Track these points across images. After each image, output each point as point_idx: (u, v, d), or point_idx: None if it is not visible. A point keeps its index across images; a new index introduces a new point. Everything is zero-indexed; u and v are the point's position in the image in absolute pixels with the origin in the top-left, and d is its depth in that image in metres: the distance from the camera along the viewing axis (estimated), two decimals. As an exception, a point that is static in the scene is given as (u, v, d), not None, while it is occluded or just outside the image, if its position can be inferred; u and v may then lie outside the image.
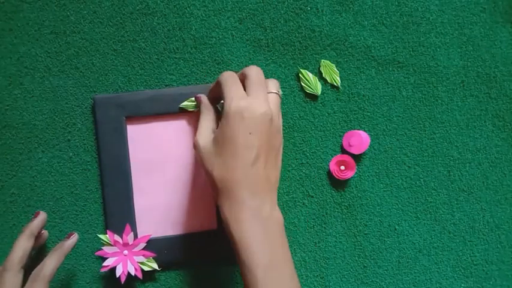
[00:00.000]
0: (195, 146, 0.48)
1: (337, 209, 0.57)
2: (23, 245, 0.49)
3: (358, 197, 0.57)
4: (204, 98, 0.52)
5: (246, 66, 0.57)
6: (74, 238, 0.52)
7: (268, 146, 0.47)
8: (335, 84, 0.57)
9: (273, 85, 0.50)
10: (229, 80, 0.48)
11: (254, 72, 0.48)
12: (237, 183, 0.45)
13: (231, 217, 0.45)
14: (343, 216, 0.57)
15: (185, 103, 0.55)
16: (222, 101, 0.48)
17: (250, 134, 0.45)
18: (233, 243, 0.45)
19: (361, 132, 0.57)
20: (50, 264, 0.49)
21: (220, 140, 0.46)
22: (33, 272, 0.49)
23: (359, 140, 0.56)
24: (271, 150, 0.47)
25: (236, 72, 0.50)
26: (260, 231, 0.45)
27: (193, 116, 0.56)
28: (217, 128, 0.48)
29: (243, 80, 0.49)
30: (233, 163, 0.45)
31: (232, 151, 0.45)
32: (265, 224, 0.45)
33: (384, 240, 0.57)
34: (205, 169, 0.47)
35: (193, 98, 0.55)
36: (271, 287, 0.44)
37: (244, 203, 0.45)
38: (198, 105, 0.53)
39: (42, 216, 0.52)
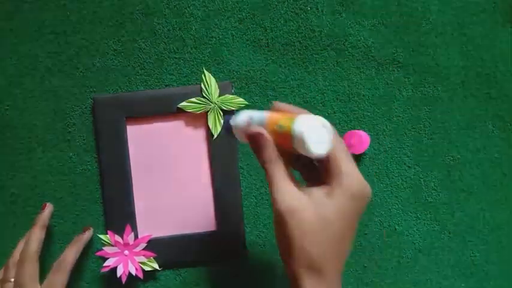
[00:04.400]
0: (287, 213, 0.38)
1: (337, 209, 0.57)
2: (37, 236, 0.52)
3: (358, 197, 0.57)
4: (271, 140, 0.41)
5: (244, 66, 0.57)
6: (90, 232, 0.55)
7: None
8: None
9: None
10: (345, 149, 0.41)
11: (340, 139, 0.41)
12: (335, 265, 0.39)
13: None
14: (343, 216, 0.57)
15: (184, 103, 0.55)
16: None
17: (359, 217, 0.40)
18: None
19: (361, 132, 0.57)
20: (71, 255, 0.52)
21: (333, 220, 0.38)
22: (55, 263, 0.52)
23: (359, 140, 0.56)
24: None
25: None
26: None
27: (193, 116, 0.56)
28: (326, 198, 0.39)
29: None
30: (338, 247, 0.39)
31: (341, 238, 0.39)
32: None
33: (384, 240, 0.57)
34: (300, 242, 0.38)
35: (192, 99, 0.55)
36: None
37: (335, 284, 0.39)
38: (259, 147, 0.41)
39: (50, 207, 0.54)
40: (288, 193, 0.39)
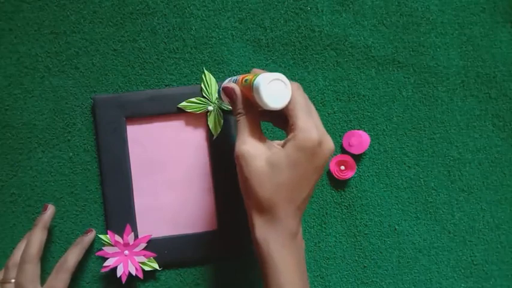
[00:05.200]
0: (241, 157, 0.44)
1: (337, 209, 0.57)
2: (38, 237, 0.52)
3: (358, 197, 0.57)
4: (239, 94, 0.46)
5: (245, 66, 0.57)
6: (92, 234, 0.55)
7: (319, 175, 0.45)
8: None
9: None
10: (305, 106, 0.44)
11: (303, 96, 0.45)
12: (286, 209, 0.43)
13: (274, 239, 0.43)
14: (343, 216, 0.57)
15: (184, 103, 0.55)
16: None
17: (318, 171, 0.44)
18: (270, 264, 0.43)
19: (361, 132, 0.57)
20: (73, 257, 0.52)
21: (282, 167, 0.43)
22: (57, 264, 0.52)
23: (359, 140, 0.56)
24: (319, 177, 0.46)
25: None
26: (297, 255, 0.44)
27: (193, 116, 0.56)
28: (282, 146, 0.44)
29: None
30: (290, 194, 0.43)
31: (292, 185, 0.43)
32: (300, 248, 0.45)
33: (384, 240, 0.57)
34: (250, 184, 0.43)
35: (192, 99, 0.55)
36: None
37: (288, 226, 0.43)
38: (230, 99, 0.47)
39: (51, 208, 0.54)
40: (247, 141, 0.44)
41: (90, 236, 0.54)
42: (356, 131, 0.57)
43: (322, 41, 0.57)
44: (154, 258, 0.55)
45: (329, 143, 0.44)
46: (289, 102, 0.43)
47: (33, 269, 0.50)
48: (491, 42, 0.58)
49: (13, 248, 0.53)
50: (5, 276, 0.51)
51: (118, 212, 0.55)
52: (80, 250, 0.53)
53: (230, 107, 0.55)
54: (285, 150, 0.43)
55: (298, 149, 0.42)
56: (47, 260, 0.55)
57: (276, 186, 0.43)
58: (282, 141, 0.45)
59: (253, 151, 0.43)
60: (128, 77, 0.56)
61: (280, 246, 0.43)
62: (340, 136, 0.57)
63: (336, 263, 0.57)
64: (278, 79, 0.42)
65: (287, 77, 0.57)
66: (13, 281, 0.50)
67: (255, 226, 0.44)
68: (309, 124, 0.43)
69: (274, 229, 0.43)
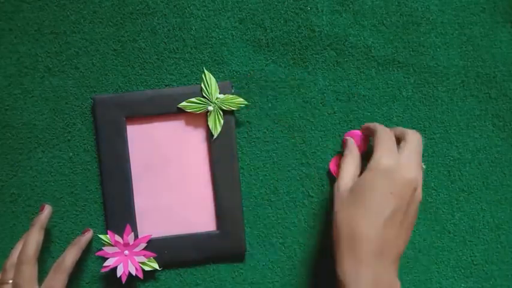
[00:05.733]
0: (336, 189, 0.48)
1: (337, 209, 0.57)
2: (35, 238, 0.51)
3: (358, 197, 0.57)
4: (350, 142, 0.54)
5: (245, 66, 0.57)
6: (90, 234, 0.55)
7: (404, 214, 0.45)
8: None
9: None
10: (386, 135, 0.48)
11: (416, 139, 0.49)
12: (365, 240, 0.43)
13: (350, 275, 0.43)
14: (343, 216, 0.57)
15: (184, 103, 0.55)
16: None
17: (391, 193, 0.44)
18: None
19: (361, 132, 0.57)
20: (70, 257, 0.52)
21: (358, 190, 0.46)
22: (55, 264, 0.52)
23: (359, 140, 0.56)
24: (406, 218, 0.46)
25: (391, 128, 0.52)
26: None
27: (193, 116, 0.56)
28: (359, 176, 0.48)
29: (399, 138, 0.50)
30: (365, 218, 0.44)
31: (367, 205, 0.44)
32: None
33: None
34: (336, 216, 0.46)
35: (192, 99, 0.55)
36: None
37: (369, 264, 0.42)
38: (342, 147, 0.55)
39: (48, 208, 0.53)
40: (346, 178, 0.50)
41: (88, 235, 0.54)
42: (356, 131, 0.57)
43: (322, 41, 0.57)
44: (154, 258, 0.55)
45: (408, 171, 0.45)
46: (370, 132, 0.51)
47: (30, 270, 0.50)
48: (491, 42, 0.58)
49: (12, 248, 0.53)
50: (3, 278, 0.51)
51: (118, 212, 0.55)
52: (77, 250, 0.53)
53: (231, 108, 0.55)
54: (362, 177, 0.47)
55: (370, 170, 0.46)
56: (47, 260, 0.55)
57: (353, 213, 0.45)
58: None
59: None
60: (128, 77, 0.56)
61: (358, 284, 0.42)
62: (340, 136, 0.57)
63: (336, 263, 0.57)
64: None
65: (287, 77, 0.57)
66: (11, 281, 0.50)
67: (337, 261, 0.45)
68: (385, 150, 0.47)
69: (352, 265, 0.43)
